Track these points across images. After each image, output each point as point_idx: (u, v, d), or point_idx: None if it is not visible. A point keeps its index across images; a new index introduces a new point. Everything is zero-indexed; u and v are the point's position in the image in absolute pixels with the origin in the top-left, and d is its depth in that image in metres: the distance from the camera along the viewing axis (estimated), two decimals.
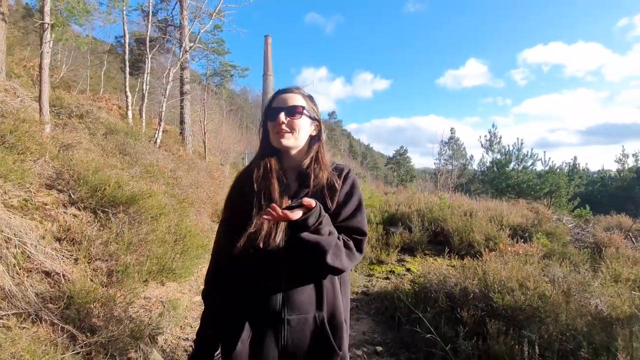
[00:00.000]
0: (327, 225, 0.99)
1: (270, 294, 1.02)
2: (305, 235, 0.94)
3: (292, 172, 1.13)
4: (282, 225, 1.02)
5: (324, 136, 1.20)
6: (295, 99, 1.11)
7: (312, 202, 0.94)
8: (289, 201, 1.05)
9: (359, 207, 1.14)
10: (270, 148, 1.12)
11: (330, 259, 0.98)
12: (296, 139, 1.10)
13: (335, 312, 1.08)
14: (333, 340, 1.05)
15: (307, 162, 1.12)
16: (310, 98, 1.17)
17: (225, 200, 1.18)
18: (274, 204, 0.90)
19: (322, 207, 0.99)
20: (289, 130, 1.08)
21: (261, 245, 1.00)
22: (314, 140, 1.16)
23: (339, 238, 1.04)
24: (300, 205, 0.93)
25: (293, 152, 1.12)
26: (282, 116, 1.08)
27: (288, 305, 1.02)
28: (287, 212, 0.90)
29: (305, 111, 1.11)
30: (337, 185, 1.09)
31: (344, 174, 1.14)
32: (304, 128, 1.12)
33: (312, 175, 1.08)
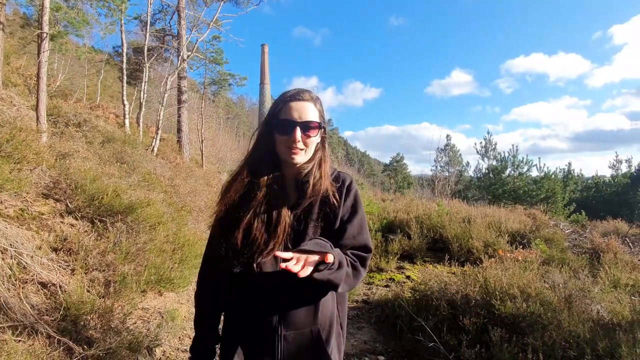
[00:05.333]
0: (337, 257, 0.94)
1: (266, 312, 0.99)
2: (317, 275, 0.89)
3: (292, 181, 1.07)
4: (280, 238, 1.00)
5: (326, 143, 1.14)
6: (309, 111, 1.03)
7: (330, 257, 0.89)
8: (289, 213, 1.02)
9: (363, 223, 1.10)
10: (269, 157, 1.06)
11: (341, 289, 0.96)
12: (307, 154, 1.05)
13: (332, 323, 1.07)
14: (328, 351, 1.03)
15: (307, 169, 1.06)
16: (319, 101, 1.09)
17: (217, 210, 1.09)
18: (287, 266, 0.83)
19: (332, 245, 0.95)
20: (303, 148, 1.02)
21: (256, 269, 0.98)
22: (317, 147, 1.09)
23: (347, 263, 1.00)
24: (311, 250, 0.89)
25: (299, 163, 1.06)
26: (299, 134, 1.00)
27: (285, 322, 0.99)
28: (307, 268, 0.85)
29: (319, 125, 1.05)
30: (336, 197, 1.05)
31: (346, 184, 1.10)
32: (315, 142, 1.07)
33: (311, 184, 1.03)
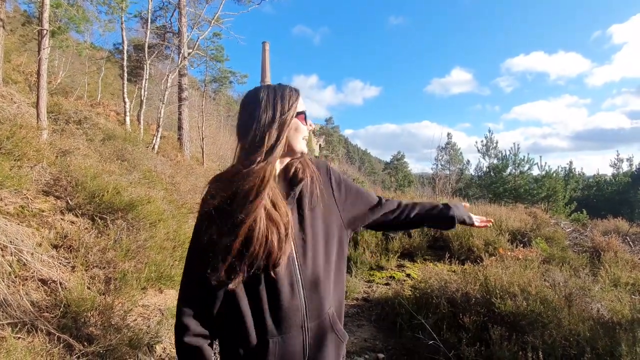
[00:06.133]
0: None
1: (290, 312, 0.97)
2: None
3: (280, 175, 1.05)
4: (290, 237, 0.95)
5: None
6: None
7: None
8: (289, 207, 0.98)
9: (361, 189, 1.19)
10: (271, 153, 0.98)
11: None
12: None
13: (340, 301, 1.11)
14: (341, 326, 1.08)
15: (295, 162, 1.05)
16: None
17: (209, 203, 0.94)
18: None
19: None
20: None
21: (273, 275, 0.93)
22: None
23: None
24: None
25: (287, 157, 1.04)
26: (312, 124, 1.05)
27: (308, 315, 0.99)
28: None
29: None
30: (318, 179, 1.06)
31: (324, 170, 1.11)
32: None
33: (301, 171, 1.04)
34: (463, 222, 1.28)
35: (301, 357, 0.99)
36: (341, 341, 1.08)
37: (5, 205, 2.73)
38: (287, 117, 0.98)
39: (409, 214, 1.22)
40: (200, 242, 0.93)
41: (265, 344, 0.95)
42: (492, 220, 1.33)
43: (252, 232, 0.90)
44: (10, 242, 2.39)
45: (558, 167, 16.86)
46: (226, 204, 0.93)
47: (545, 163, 14.38)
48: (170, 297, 3.20)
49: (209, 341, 0.98)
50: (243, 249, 0.90)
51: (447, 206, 1.27)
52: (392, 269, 5.00)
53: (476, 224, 1.30)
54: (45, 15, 4.80)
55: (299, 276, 0.98)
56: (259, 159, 0.94)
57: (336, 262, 1.08)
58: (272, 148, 0.96)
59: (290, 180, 1.04)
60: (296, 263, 0.98)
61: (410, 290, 3.67)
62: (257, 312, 0.96)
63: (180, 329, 0.95)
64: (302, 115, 1.02)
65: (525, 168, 14.64)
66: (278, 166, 1.03)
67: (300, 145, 1.02)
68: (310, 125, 1.06)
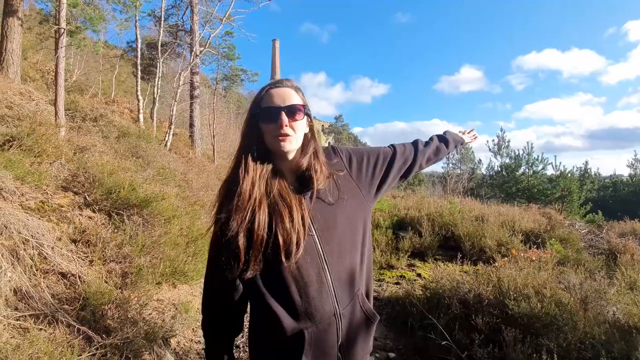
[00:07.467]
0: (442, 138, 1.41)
1: (324, 304, 0.97)
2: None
3: (290, 174, 1.02)
4: (301, 229, 0.93)
5: (315, 133, 1.10)
6: (292, 96, 0.99)
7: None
8: (301, 201, 0.97)
9: (372, 151, 1.17)
10: (263, 151, 0.99)
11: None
12: (297, 141, 0.99)
13: (369, 281, 1.10)
14: (370, 305, 1.08)
15: (305, 162, 1.00)
16: (300, 91, 1.04)
17: (217, 218, 0.99)
18: None
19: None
20: (291, 134, 0.96)
21: (294, 265, 0.93)
22: (307, 137, 1.04)
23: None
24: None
25: (291, 154, 1.00)
26: (285, 118, 0.95)
27: (339, 301, 0.99)
28: None
29: (305, 110, 1.00)
30: (329, 169, 1.03)
31: (333, 154, 1.10)
32: (303, 128, 1.02)
33: (315, 177, 0.98)
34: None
35: (335, 343, 1.00)
36: (371, 322, 1.07)
37: (27, 200, 2.82)
38: (247, 122, 1.01)
39: (424, 157, 1.31)
40: (214, 244, 1.01)
41: (301, 335, 0.96)
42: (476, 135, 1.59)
43: (253, 225, 0.93)
44: (32, 236, 2.47)
45: (573, 167, 16.33)
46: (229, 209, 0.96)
47: (560, 163, 14.05)
48: (183, 292, 3.26)
49: (230, 334, 1.08)
50: (251, 244, 0.93)
51: (444, 138, 1.42)
52: (402, 268, 4.98)
53: (467, 140, 1.53)
54: (63, 14, 4.90)
55: (325, 266, 0.98)
56: (238, 175, 0.97)
57: (361, 245, 1.07)
58: (246, 157, 0.98)
59: (300, 177, 1.01)
60: (321, 253, 0.97)
61: (421, 290, 3.65)
62: (289, 304, 0.97)
63: (204, 324, 1.08)
64: (273, 111, 0.96)
65: (539, 168, 14.35)
66: (283, 165, 1.02)
67: (274, 145, 0.97)
68: (283, 123, 0.94)
